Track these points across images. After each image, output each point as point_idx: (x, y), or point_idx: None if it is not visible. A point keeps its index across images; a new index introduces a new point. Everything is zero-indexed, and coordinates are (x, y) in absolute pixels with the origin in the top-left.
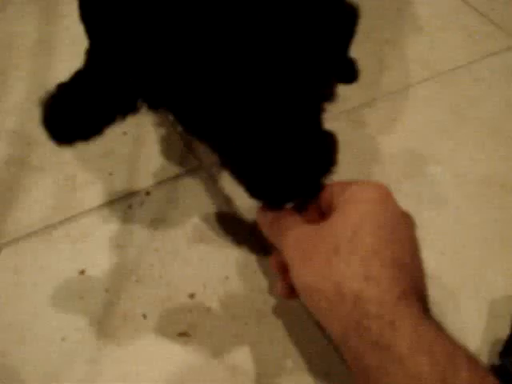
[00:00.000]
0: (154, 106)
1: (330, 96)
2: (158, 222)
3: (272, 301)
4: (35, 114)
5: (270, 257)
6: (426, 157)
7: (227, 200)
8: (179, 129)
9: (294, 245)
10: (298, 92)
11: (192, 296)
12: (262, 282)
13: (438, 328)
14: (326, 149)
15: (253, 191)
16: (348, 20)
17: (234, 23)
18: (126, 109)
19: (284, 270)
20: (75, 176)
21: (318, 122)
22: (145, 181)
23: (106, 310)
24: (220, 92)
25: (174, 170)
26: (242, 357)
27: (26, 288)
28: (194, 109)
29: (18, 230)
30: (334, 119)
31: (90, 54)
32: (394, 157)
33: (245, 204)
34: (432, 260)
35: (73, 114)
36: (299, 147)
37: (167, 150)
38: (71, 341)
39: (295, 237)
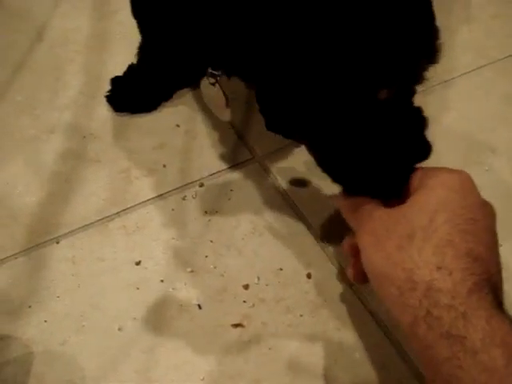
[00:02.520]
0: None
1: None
2: (211, 213)
3: (326, 292)
4: (90, 108)
5: (344, 240)
6: (482, 146)
7: (280, 191)
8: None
9: (367, 228)
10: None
11: (246, 287)
12: (317, 274)
13: (511, 321)
14: (418, 137)
15: (347, 184)
16: None
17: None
18: (176, 88)
19: (356, 253)
20: (130, 168)
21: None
22: (198, 173)
23: (161, 300)
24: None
25: (226, 161)
26: (296, 348)
27: (84, 278)
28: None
29: (75, 221)
30: None
31: (143, 48)
32: (450, 146)
33: (298, 195)
34: None
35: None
36: (395, 137)
37: (220, 142)
38: (128, 330)
39: (369, 220)
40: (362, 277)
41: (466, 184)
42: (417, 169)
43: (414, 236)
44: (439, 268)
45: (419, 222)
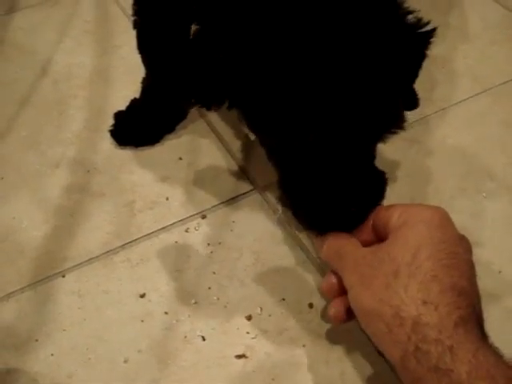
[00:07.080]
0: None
1: (399, 124)
2: (214, 245)
3: (328, 323)
4: (94, 142)
5: (322, 282)
6: (479, 173)
7: (282, 222)
8: (233, 154)
9: (352, 269)
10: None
11: (249, 318)
12: (319, 304)
13: (496, 353)
14: (375, 184)
15: (299, 215)
16: (419, 47)
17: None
18: (179, 120)
19: (338, 293)
20: (134, 201)
21: (372, 158)
22: (201, 205)
23: (166, 332)
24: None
25: (228, 193)
26: (299, 378)
27: (90, 311)
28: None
29: (80, 255)
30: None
31: (146, 83)
32: (448, 173)
33: (299, 226)
34: (489, 279)
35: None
36: (351, 180)
37: (221, 174)
38: (133, 363)
39: (354, 260)
40: (346, 315)
41: (445, 219)
42: (392, 206)
43: (399, 273)
44: (425, 303)
45: (403, 258)
